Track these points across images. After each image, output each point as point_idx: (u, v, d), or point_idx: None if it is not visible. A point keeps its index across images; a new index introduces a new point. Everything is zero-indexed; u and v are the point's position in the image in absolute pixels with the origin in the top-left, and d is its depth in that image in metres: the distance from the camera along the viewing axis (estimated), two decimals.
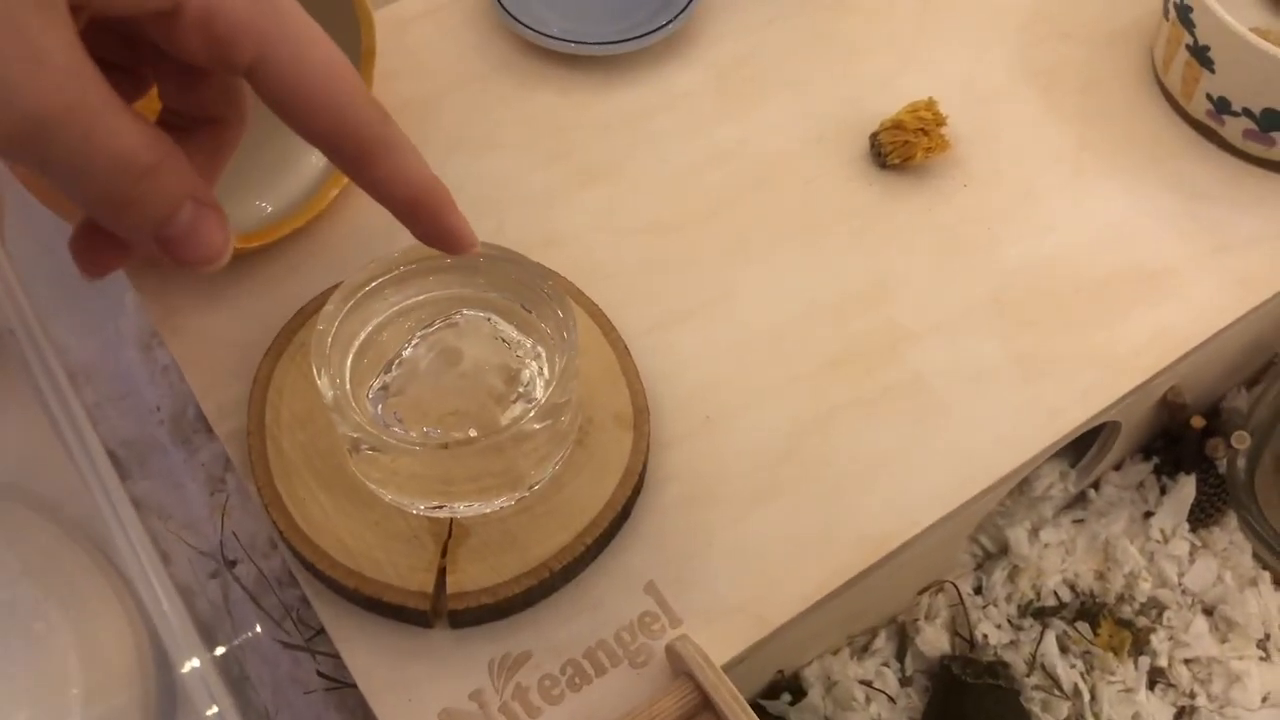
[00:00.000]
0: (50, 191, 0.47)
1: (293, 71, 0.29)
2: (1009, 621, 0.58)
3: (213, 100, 0.31)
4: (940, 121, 0.57)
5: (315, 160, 0.57)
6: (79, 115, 0.25)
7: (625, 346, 0.50)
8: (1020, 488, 0.60)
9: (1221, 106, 0.58)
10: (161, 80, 0.31)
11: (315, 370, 0.42)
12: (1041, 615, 0.58)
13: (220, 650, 0.46)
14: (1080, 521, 0.61)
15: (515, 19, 0.61)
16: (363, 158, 0.30)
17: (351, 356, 0.44)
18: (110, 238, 0.29)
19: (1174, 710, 0.56)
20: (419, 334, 0.45)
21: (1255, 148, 0.58)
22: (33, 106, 0.24)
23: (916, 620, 0.57)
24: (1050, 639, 0.57)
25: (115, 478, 0.34)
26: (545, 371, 0.45)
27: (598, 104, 0.61)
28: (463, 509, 0.44)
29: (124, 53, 0.30)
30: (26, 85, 0.24)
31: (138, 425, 0.62)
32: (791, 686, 0.54)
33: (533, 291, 0.45)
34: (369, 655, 0.44)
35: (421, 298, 0.46)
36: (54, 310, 0.60)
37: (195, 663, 0.33)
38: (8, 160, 0.26)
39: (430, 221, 0.32)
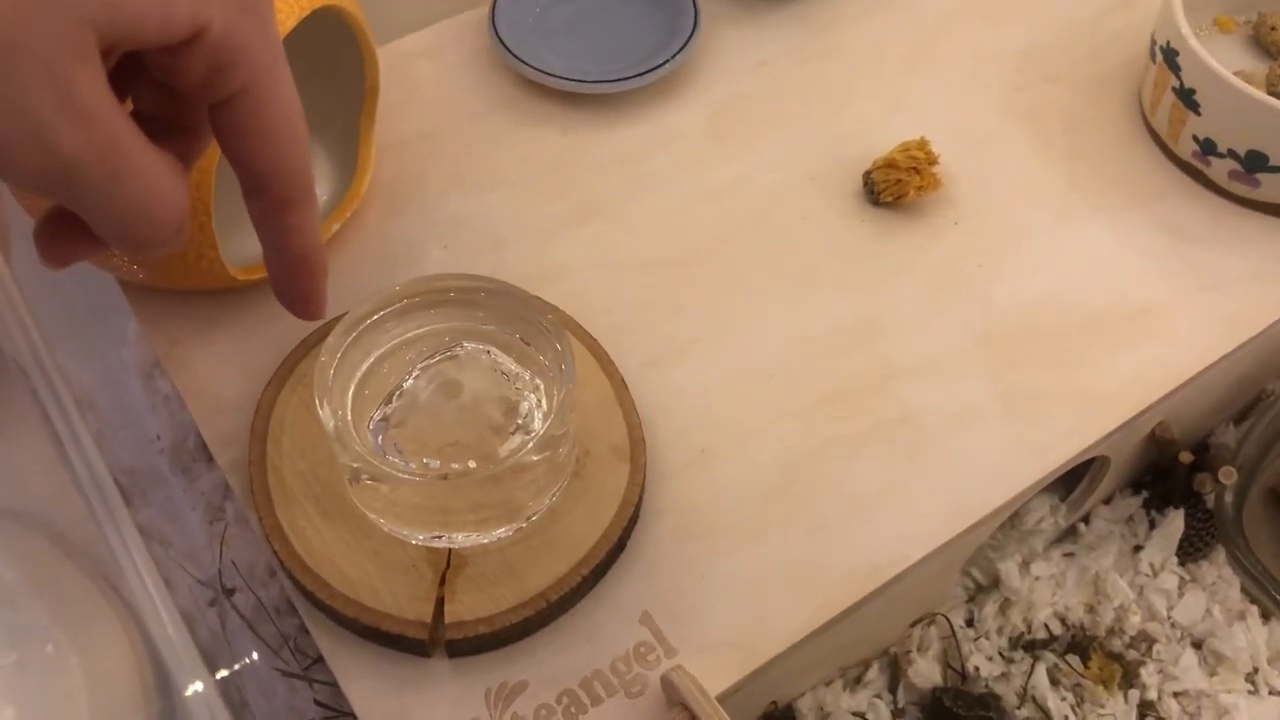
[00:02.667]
0: None
1: (268, 104, 0.29)
2: (1000, 654, 0.58)
3: (190, 113, 0.31)
4: (932, 160, 0.58)
5: (318, 194, 0.58)
6: (108, 157, 0.25)
7: (622, 379, 0.51)
8: (1011, 521, 0.61)
9: (1207, 148, 0.59)
10: (140, 90, 0.31)
11: (317, 401, 0.42)
12: (1032, 648, 0.58)
13: (219, 677, 0.47)
14: (1070, 555, 0.62)
15: (516, 57, 0.62)
16: (287, 202, 0.31)
17: (353, 388, 0.45)
18: (81, 234, 0.29)
19: None
20: (419, 366, 0.46)
21: (1240, 188, 0.59)
22: (70, 148, 0.25)
23: (909, 652, 0.57)
24: (1041, 671, 0.57)
25: (122, 505, 0.35)
26: (543, 404, 0.45)
27: (596, 142, 0.62)
28: (461, 539, 0.45)
29: (186, 113, 0.31)
30: (62, 130, 0.24)
31: (138, 454, 0.62)
32: (785, 717, 0.55)
33: (532, 325, 0.46)
34: (367, 684, 0.44)
35: (422, 330, 0.46)
36: (56, 339, 0.61)
37: (198, 686, 0.33)
38: (36, 194, 0.27)
39: (308, 283, 0.33)
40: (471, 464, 0.44)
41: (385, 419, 0.45)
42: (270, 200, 0.31)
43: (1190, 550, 0.61)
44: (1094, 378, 0.53)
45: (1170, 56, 0.58)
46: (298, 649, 0.55)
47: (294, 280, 0.33)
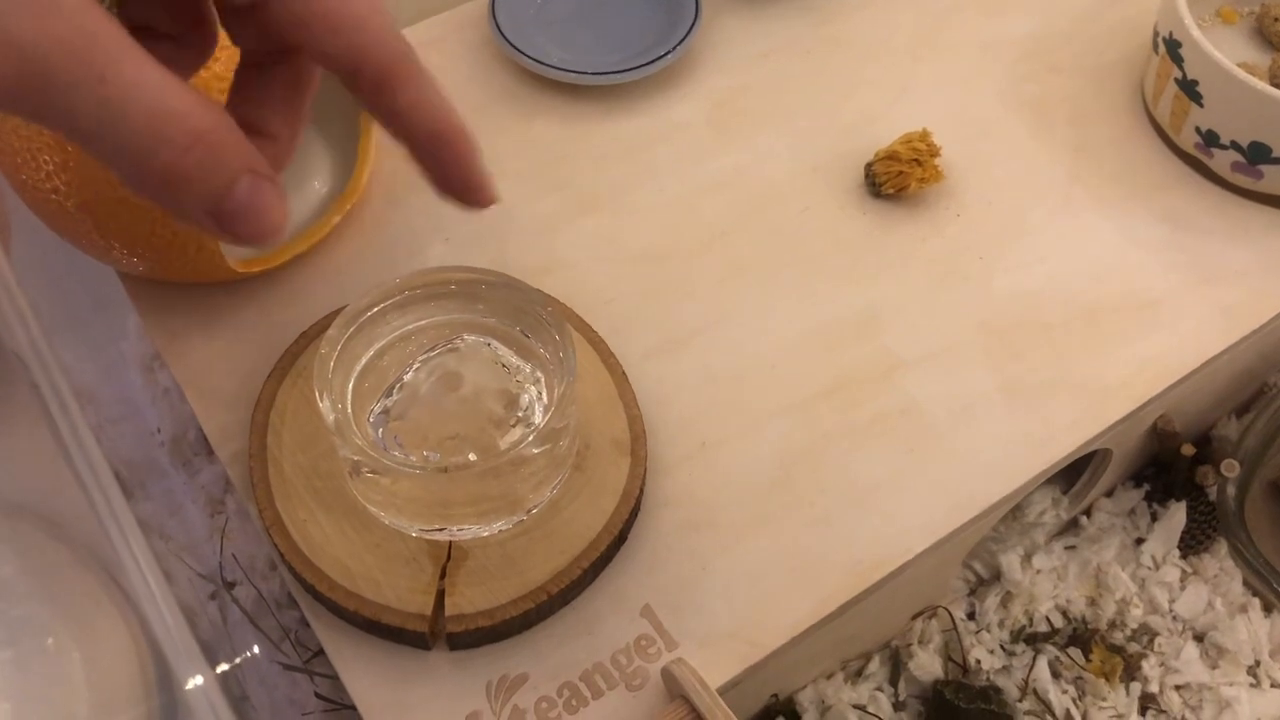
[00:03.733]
0: (55, 215, 0.48)
1: None
2: (1001, 647, 0.58)
3: (283, 29, 0.28)
4: (934, 152, 0.58)
5: (318, 186, 0.58)
6: (91, 56, 0.22)
7: (623, 372, 0.51)
8: (1013, 514, 0.61)
9: (1210, 139, 0.59)
10: (225, 17, 0.29)
11: (317, 393, 0.42)
12: (1034, 641, 0.58)
13: (220, 670, 0.47)
14: (1072, 548, 0.61)
15: (516, 49, 0.62)
16: (386, 81, 0.28)
17: (353, 380, 0.45)
18: None
19: None
20: (420, 358, 0.46)
21: (1243, 180, 0.59)
22: (31, 39, 0.21)
23: (910, 645, 0.57)
24: (1042, 664, 0.57)
25: (122, 498, 0.35)
26: (544, 396, 0.45)
27: (597, 133, 0.62)
28: (461, 532, 0.45)
29: (168, 17, 0.29)
30: (21, 19, 0.21)
31: (138, 447, 0.62)
32: (786, 710, 0.55)
33: (532, 317, 0.46)
34: (367, 677, 0.44)
35: (423, 323, 0.46)
36: (56, 332, 0.61)
37: (199, 680, 0.33)
38: (37, 122, 0.23)
39: (454, 162, 0.29)
40: (472, 457, 0.44)
41: (385, 412, 0.45)
42: (369, 84, 0.28)
43: (1192, 543, 0.61)
44: (1096, 370, 0.53)
45: (1173, 48, 0.58)
46: (299, 642, 0.55)
47: (441, 167, 0.29)
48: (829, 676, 0.56)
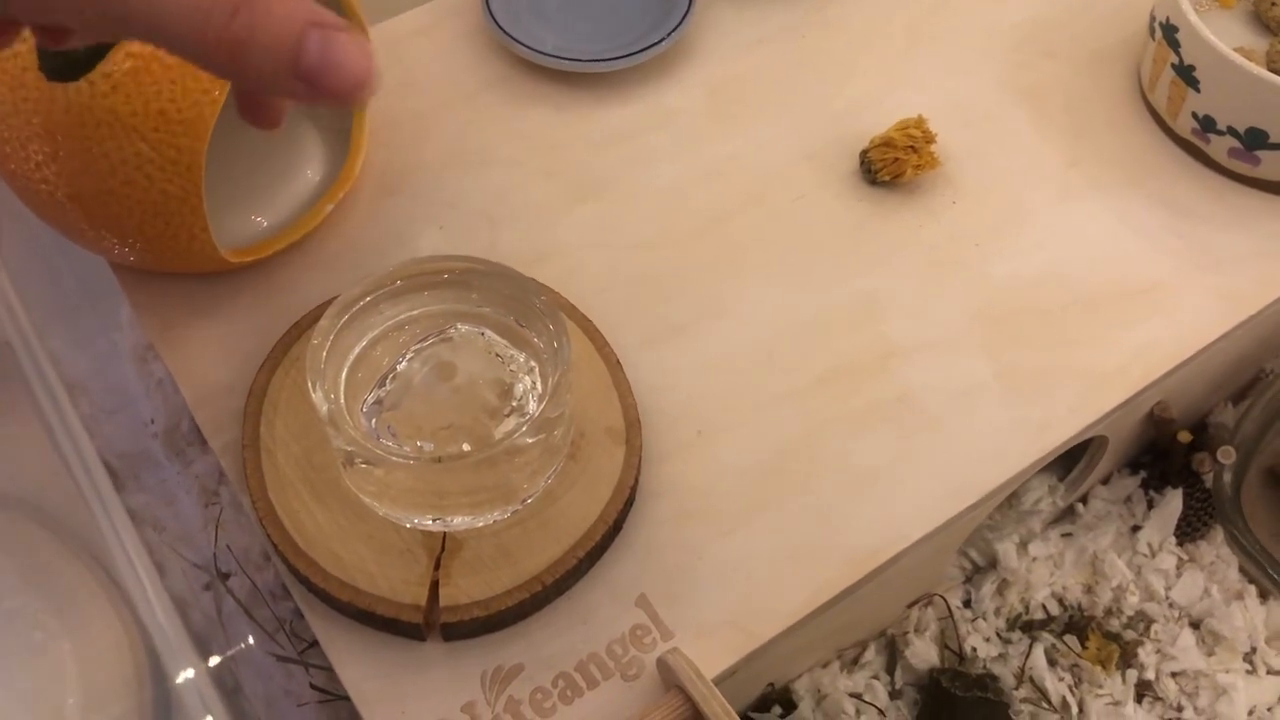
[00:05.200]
0: (45, 205, 0.48)
1: None
2: (998, 634, 0.58)
3: None
4: (930, 139, 0.58)
5: (310, 175, 0.58)
6: None
7: (618, 361, 0.50)
8: (1009, 501, 0.60)
9: (1207, 125, 0.58)
10: None
11: (310, 384, 0.42)
12: (1030, 628, 0.58)
13: (213, 662, 0.46)
14: (1068, 535, 0.61)
15: (510, 36, 0.62)
16: None
17: (346, 370, 0.45)
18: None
19: None
20: (413, 348, 0.46)
21: (1240, 166, 0.59)
22: None
23: (906, 633, 0.57)
24: (1039, 652, 0.57)
25: (112, 490, 0.35)
26: (538, 386, 0.45)
27: (591, 121, 0.61)
28: (456, 522, 0.44)
29: None
30: None
31: (132, 438, 0.62)
32: (782, 699, 0.55)
33: (526, 306, 0.45)
34: (362, 668, 0.44)
35: (416, 312, 0.46)
36: (49, 323, 0.60)
37: (190, 673, 0.33)
38: (109, 24, 0.24)
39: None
40: (466, 447, 0.44)
41: (379, 402, 0.45)
42: None
43: (1188, 530, 0.61)
44: (1093, 357, 0.53)
45: (1170, 33, 0.58)
46: (293, 633, 0.55)
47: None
48: (825, 665, 0.56)
